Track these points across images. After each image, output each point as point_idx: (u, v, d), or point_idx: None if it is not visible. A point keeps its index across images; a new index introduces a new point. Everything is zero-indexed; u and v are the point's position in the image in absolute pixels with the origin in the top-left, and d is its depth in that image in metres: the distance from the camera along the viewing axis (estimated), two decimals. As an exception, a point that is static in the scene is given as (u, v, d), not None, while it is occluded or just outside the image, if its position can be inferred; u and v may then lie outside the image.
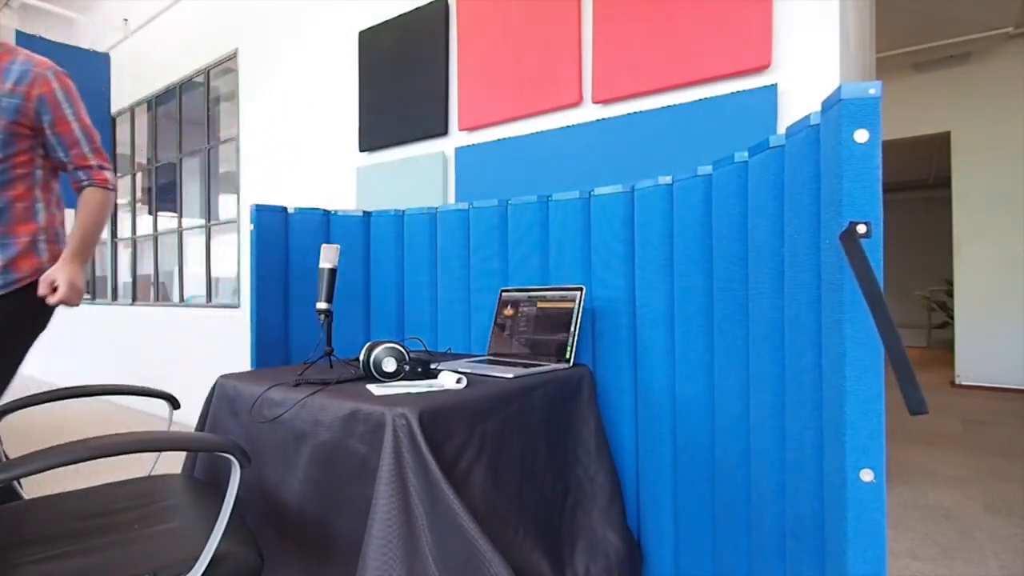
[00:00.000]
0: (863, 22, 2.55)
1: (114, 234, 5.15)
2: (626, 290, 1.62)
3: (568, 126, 2.11)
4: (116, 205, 5.02)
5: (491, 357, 1.73)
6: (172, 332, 4.26)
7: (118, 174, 5.03)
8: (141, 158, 4.88)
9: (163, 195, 4.64)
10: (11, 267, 1.40)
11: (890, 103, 5.22)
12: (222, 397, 1.46)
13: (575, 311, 1.59)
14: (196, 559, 0.86)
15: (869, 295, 0.76)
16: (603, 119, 2.02)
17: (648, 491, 1.57)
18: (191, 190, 4.33)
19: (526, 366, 1.51)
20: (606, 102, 2.04)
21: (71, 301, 1.41)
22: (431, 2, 2.58)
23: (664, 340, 1.52)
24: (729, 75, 1.76)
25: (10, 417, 1.19)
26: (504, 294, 1.82)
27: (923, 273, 8.51)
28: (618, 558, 1.46)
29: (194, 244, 4.25)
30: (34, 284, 1.42)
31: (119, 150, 5.07)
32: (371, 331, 2.15)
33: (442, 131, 2.53)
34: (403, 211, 2.13)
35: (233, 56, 3.76)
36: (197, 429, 1.51)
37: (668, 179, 1.51)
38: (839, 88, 0.87)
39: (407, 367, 1.38)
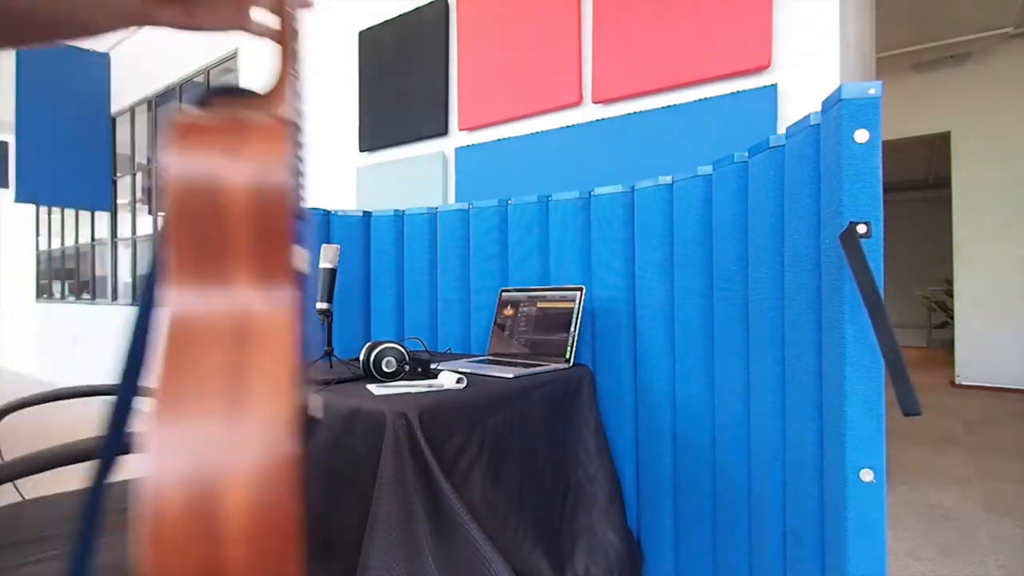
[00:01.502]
0: (863, 22, 2.55)
1: (114, 234, 5.15)
2: (626, 290, 1.62)
3: (568, 126, 2.11)
4: (116, 205, 5.03)
5: (491, 357, 1.73)
6: (172, 332, 4.26)
7: (118, 174, 5.03)
8: (141, 158, 4.88)
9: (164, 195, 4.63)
10: None
11: (890, 103, 5.22)
12: (222, 397, 1.46)
13: (575, 311, 1.59)
14: (196, 559, 0.85)
15: (867, 296, 0.76)
16: (603, 119, 2.02)
17: (648, 491, 1.57)
18: (191, 190, 4.33)
19: (526, 366, 1.51)
20: (606, 102, 2.04)
21: None
22: (431, 2, 2.58)
23: (664, 340, 1.52)
24: (729, 75, 1.76)
25: (10, 417, 1.19)
26: (504, 294, 1.82)
27: (923, 273, 8.50)
28: (618, 558, 1.46)
29: (194, 244, 4.25)
30: None
31: (119, 150, 5.07)
32: (371, 331, 2.14)
33: (442, 131, 2.53)
34: (403, 211, 2.13)
35: (233, 56, 3.76)
36: (197, 429, 1.51)
37: (668, 179, 1.51)
38: (839, 88, 0.87)
39: (407, 367, 1.38)
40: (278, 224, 0.35)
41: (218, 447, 0.30)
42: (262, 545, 0.29)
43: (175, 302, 0.32)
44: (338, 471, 1.16)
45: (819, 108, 0.97)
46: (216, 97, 0.41)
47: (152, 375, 0.31)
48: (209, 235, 0.33)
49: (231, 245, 0.34)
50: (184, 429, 0.29)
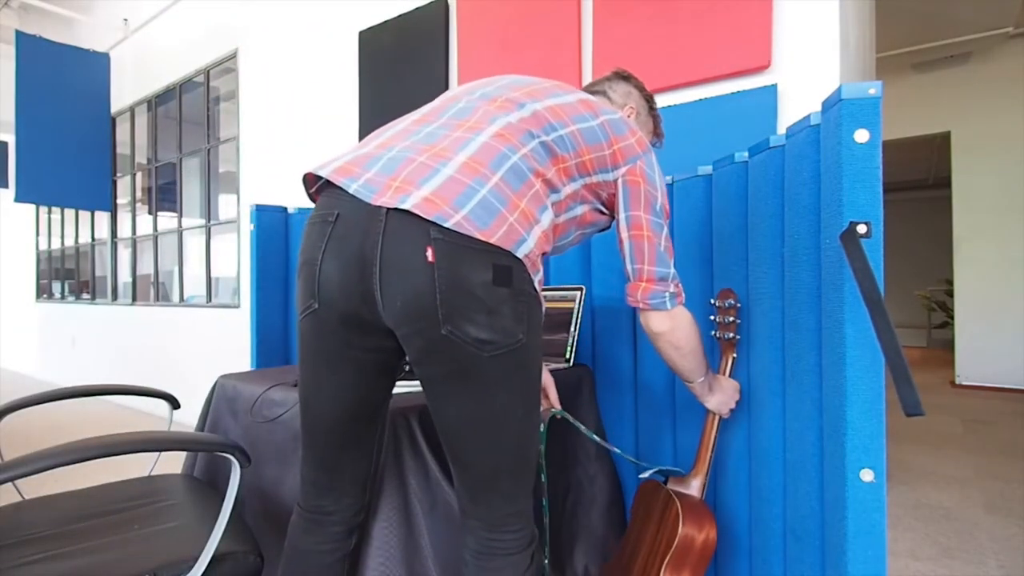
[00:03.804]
0: (863, 22, 2.55)
1: (114, 234, 5.15)
2: (626, 290, 1.61)
3: (568, 126, 2.11)
4: (116, 206, 5.03)
5: (491, 357, 1.73)
6: (172, 332, 4.26)
7: (118, 174, 5.03)
8: (141, 158, 4.88)
9: (163, 195, 4.64)
10: None
11: (890, 103, 5.22)
12: (222, 397, 1.46)
13: (575, 311, 1.59)
14: (196, 559, 0.86)
15: (868, 296, 0.76)
16: (603, 119, 2.02)
17: (648, 491, 1.57)
18: (191, 190, 4.33)
19: (526, 366, 1.51)
20: (606, 102, 2.04)
21: None
22: (431, 2, 2.58)
23: (664, 340, 1.52)
24: (729, 75, 1.76)
25: (10, 417, 1.19)
26: (504, 294, 1.82)
27: (923, 273, 8.51)
28: (618, 558, 1.46)
29: (194, 244, 4.25)
30: None
31: (119, 150, 5.07)
32: (371, 331, 2.14)
33: (442, 131, 2.53)
34: (403, 211, 2.12)
35: (233, 56, 3.76)
36: (197, 429, 1.51)
37: (668, 179, 1.50)
38: (839, 88, 0.87)
39: (407, 367, 1.38)
40: (706, 554, 1.14)
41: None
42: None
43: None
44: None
45: (819, 108, 0.97)
46: (670, 475, 1.25)
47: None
48: (684, 558, 1.12)
49: (688, 562, 1.13)
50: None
